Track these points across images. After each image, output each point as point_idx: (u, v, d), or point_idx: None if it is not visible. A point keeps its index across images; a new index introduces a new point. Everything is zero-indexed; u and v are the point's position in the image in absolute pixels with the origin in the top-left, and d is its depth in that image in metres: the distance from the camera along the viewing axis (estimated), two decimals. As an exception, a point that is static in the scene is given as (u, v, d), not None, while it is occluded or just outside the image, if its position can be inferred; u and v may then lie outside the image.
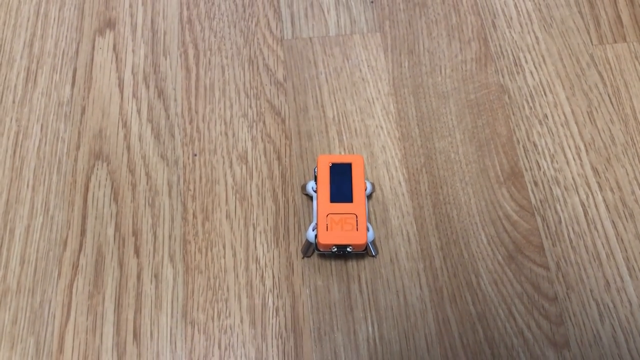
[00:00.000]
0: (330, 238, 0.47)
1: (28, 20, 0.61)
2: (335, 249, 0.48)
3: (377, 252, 0.50)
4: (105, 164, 0.54)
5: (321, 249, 0.48)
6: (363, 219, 0.48)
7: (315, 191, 0.50)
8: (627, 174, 0.53)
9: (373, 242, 0.50)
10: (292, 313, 0.49)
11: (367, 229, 0.48)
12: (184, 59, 0.59)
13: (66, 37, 0.60)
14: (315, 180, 0.50)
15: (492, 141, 0.55)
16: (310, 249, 0.50)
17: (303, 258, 0.50)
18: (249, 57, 0.59)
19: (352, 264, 0.50)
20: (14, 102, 0.57)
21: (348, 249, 0.48)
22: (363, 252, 0.50)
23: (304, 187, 0.52)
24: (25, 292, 0.49)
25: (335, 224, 0.48)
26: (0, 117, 0.56)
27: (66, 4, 0.62)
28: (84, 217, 0.52)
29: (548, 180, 0.54)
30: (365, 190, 0.50)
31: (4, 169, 0.54)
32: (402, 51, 0.60)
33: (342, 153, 0.55)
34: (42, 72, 0.59)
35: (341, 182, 0.49)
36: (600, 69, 0.58)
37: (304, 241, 0.51)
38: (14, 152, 0.55)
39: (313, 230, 0.48)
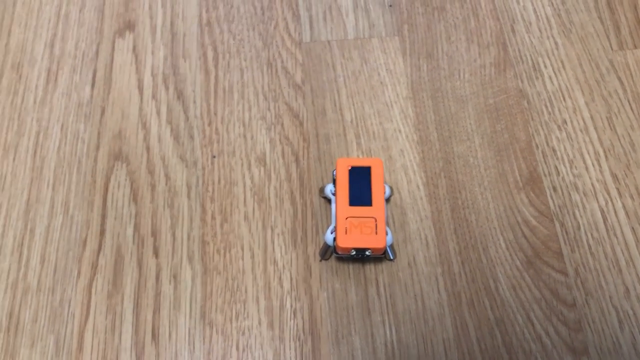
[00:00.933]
0: (349, 241, 0.47)
1: (49, 22, 0.62)
2: (354, 252, 0.48)
3: (395, 256, 0.50)
4: (124, 165, 0.54)
5: (340, 252, 0.48)
6: (382, 223, 0.48)
7: (334, 194, 0.50)
8: (647, 181, 0.53)
9: (391, 246, 0.50)
10: (310, 315, 0.49)
11: (386, 233, 0.48)
12: (203, 61, 0.59)
13: (86, 38, 0.61)
14: (334, 183, 0.50)
15: (511, 146, 0.55)
16: (328, 251, 0.50)
17: (321, 261, 0.51)
18: (268, 60, 0.60)
19: (369, 268, 0.50)
20: (34, 102, 0.58)
21: (367, 253, 0.48)
22: (381, 256, 0.50)
23: (322, 190, 0.52)
24: (45, 290, 0.50)
25: (355, 228, 0.48)
26: (22, 118, 0.57)
27: (86, 5, 0.63)
28: (104, 217, 0.52)
29: (567, 186, 0.53)
30: (384, 193, 0.50)
31: (24, 168, 0.54)
32: (420, 55, 0.60)
33: (360, 156, 0.55)
34: (63, 72, 0.59)
35: (360, 185, 0.49)
36: (620, 74, 0.58)
37: (321, 244, 0.51)
38: (35, 152, 0.55)
39: (331, 233, 0.49)
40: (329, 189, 0.51)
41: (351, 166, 0.50)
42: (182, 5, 0.63)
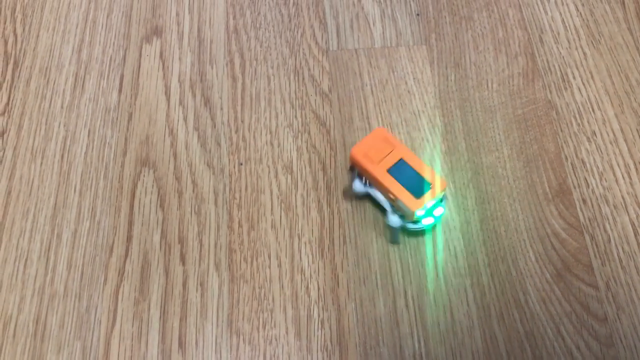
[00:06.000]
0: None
1: (77, 27, 0.62)
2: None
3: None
4: (151, 171, 0.54)
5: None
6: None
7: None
8: (679, 194, 0.53)
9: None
10: (338, 326, 0.48)
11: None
12: (230, 68, 0.59)
13: (114, 43, 0.61)
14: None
15: (540, 157, 0.55)
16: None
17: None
18: (295, 68, 0.59)
19: (397, 279, 0.50)
20: (62, 107, 0.58)
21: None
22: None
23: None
24: (72, 296, 0.49)
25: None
26: (49, 122, 0.57)
27: (114, 11, 0.63)
28: (131, 224, 0.52)
29: (597, 198, 0.53)
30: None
31: (52, 173, 0.54)
32: (448, 64, 0.59)
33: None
34: (90, 78, 0.59)
35: (408, 177, 0.50)
36: (650, 86, 0.57)
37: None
38: (62, 157, 0.55)
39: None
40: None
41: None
42: (209, 12, 0.63)
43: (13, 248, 0.51)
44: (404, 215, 0.49)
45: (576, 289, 0.49)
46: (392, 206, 0.49)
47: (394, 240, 0.51)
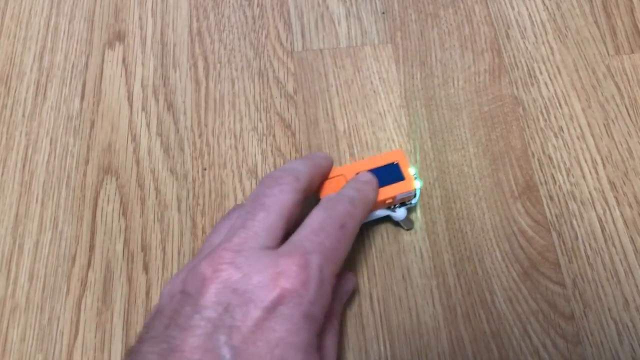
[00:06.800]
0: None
1: (38, 33, 0.61)
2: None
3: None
4: (114, 179, 0.54)
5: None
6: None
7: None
8: (646, 189, 0.52)
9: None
10: (303, 331, 0.48)
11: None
12: (193, 72, 0.59)
13: (76, 50, 0.60)
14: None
15: (507, 154, 0.54)
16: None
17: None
18: (259, 70, 0.59)
19: (363, 281, 0.49)
20: (23, 115, 0.57)
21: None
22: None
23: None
24: (34, 308, 0.49)
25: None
26: (10, 131, 0.56)
27: (76, 16, 0.62)
28: (93, 233, 0.52)
29: (564, 195, 0.52)
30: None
31: (13, 183, 0.54)
32: (414, 63, 0.59)
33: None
34: (52, 85, 0.58)
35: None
36: (617, 80, 0.57)
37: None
38: (23, 166, 0.54)
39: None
40: None
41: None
42: (172, 15, 0.62)
43: (-27, 261, 0.50)
44: (404, 202, 0.49)
45: (543, 287, 0.49)
46: (390, 208, 0.49)
47: (410, 227, 0.51)
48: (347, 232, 0.39)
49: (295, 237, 0.37)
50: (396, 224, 0.51)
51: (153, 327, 0.35)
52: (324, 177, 0.46)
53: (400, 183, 0.47)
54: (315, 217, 0.38)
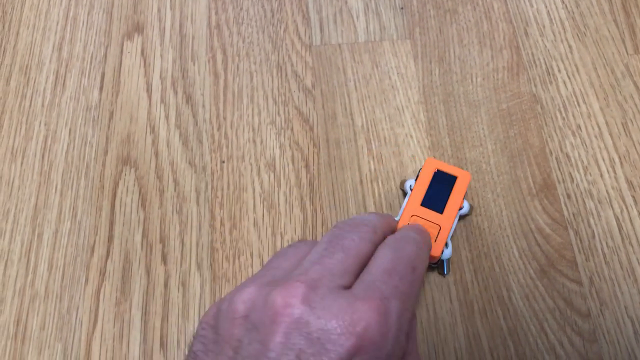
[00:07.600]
0: None
1: (57, 24, 0.61)
2: None
3: (448, 272, 0.49)
4: (133, 170, 0.54)
5: None
6: (445, 234, 0.46)
7: (411, 189, 0.49)
8: (664, 188, 0.52)
9: (448, 261, 0.49)
10: (320, 324, 0.48)
11: (446, 245, 0.47)
12: (212, 65, 0.59)
13: (95, 41, 0.60)
14: (416, 180, 0.49)
15: (524, 152, 0.54)
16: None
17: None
18: (278, 63, 0.59)
19: (380, 276, 0.49)
20: (42, 105, 0.57)
21: None
22: (434, 265, 0.49)
23: (402, 183, 0.51)
24: (53, 297, 0.49)
25: None
26: (30, 121, 0.56)
27: (95, 7, 0.62)
28: (112, 223, 0.52)
29: (581, 193, 0.52)
30: (461, 209, 0.49)
31: (32, 173, 0.54)
32: (432, 59, 0.59)
33: (372, 162, 0.54)
34: (71, 75, 0.59)
35: (439, 190, 0.48)
36: (636, 79, 0.57)
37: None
38: (43, 157, 0.55)
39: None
40: (409, 184, 0.50)
41: (438, 169, 0.48)
42: (190, 7, 0.62)
43: (-7, 249, 0.51)
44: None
45: (560, 284, 0.49)
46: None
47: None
48: (418, 276, 0.36)
49: (367, 277, 0.34)
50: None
51: (214, 352, 0.32)
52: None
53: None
54: (385, 256, 0.36)
